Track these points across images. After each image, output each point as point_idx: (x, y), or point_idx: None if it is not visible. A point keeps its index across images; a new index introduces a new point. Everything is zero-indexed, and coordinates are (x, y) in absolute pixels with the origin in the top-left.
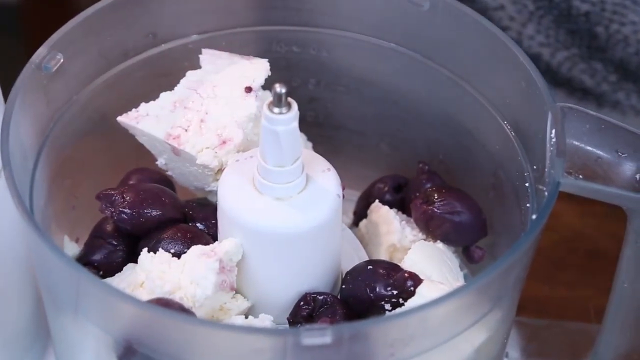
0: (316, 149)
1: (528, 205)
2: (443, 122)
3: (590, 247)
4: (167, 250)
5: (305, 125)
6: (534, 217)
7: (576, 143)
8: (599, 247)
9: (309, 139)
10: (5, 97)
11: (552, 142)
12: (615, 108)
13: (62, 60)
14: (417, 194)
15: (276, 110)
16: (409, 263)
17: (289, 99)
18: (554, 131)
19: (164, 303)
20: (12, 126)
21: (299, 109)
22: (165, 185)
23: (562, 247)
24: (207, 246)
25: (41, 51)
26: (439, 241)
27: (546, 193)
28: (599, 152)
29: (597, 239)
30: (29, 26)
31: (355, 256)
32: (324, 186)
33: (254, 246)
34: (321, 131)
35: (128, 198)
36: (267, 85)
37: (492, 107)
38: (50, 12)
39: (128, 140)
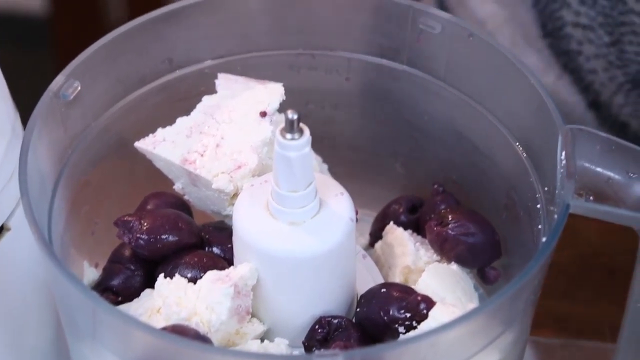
0: (332, 170)
1: (540, 226)
2: (456, 143)
3: (609, 264)
4: (184, 276)
5: (321, 146)
6: (544, 239)
7: (587, 164)
8: (617, 264)
9: (325, 160)
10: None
11: (562, 164)
12: None
13: (79, 88)
14: (432, 216)
15: (288, 136)
16: (423, 285)
17: (302, 124)
18: (564, 153)
19: (180, 330)
20: (30, 154)
21: (315, 131)
22: (182, 209)
23: (581, 263)
24: (222, 271)
25: (59, 79)
26: (453, 262)
27: (556, 215)
28: (609, 173)
29: (615, 256)
30: (58, 40)
31: (370, 279)
32: (337, 210)
33: (268, 271)
34: (337, 153)
35: (145, 224)
36: (284, 108)
37: (504, 128)
38: (80, 26)
39: (146, 165)
